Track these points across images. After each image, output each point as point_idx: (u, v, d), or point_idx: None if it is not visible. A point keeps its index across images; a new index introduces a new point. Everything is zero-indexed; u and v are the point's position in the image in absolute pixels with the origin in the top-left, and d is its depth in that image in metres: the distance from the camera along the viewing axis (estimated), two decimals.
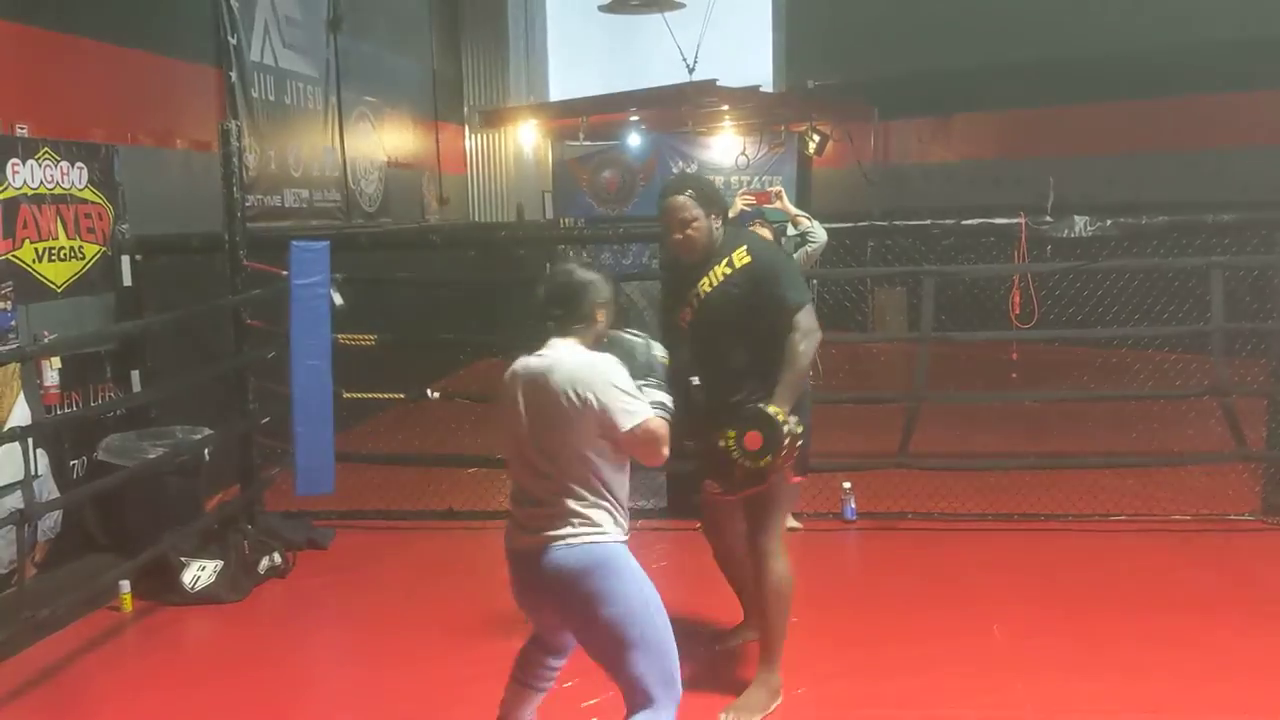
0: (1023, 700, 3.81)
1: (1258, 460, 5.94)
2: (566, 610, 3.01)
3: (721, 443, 3.57)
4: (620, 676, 2.97)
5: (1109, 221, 5.84)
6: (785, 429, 3.49)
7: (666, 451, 2.95)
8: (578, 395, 2.90)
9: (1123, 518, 5.77)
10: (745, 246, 3.75)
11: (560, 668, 3.28)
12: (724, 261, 3.72)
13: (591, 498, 2.95)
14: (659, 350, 3.15)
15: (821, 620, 4.54)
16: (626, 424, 2.89)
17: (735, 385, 3.69)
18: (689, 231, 3.71)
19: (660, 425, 2.93)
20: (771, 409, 3.52)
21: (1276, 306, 5.83)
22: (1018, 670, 4.03)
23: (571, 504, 2.94)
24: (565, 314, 3.08)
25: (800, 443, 3.59)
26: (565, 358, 2.98)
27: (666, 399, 3.03)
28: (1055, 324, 6.60)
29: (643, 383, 3.01)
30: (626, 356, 3.06)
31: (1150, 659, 4.10)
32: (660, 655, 2.96)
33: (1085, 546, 5.47)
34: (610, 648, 2.95)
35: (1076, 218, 5.83)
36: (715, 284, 3.73)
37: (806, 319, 3.61)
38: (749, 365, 3.69)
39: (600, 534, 2.95)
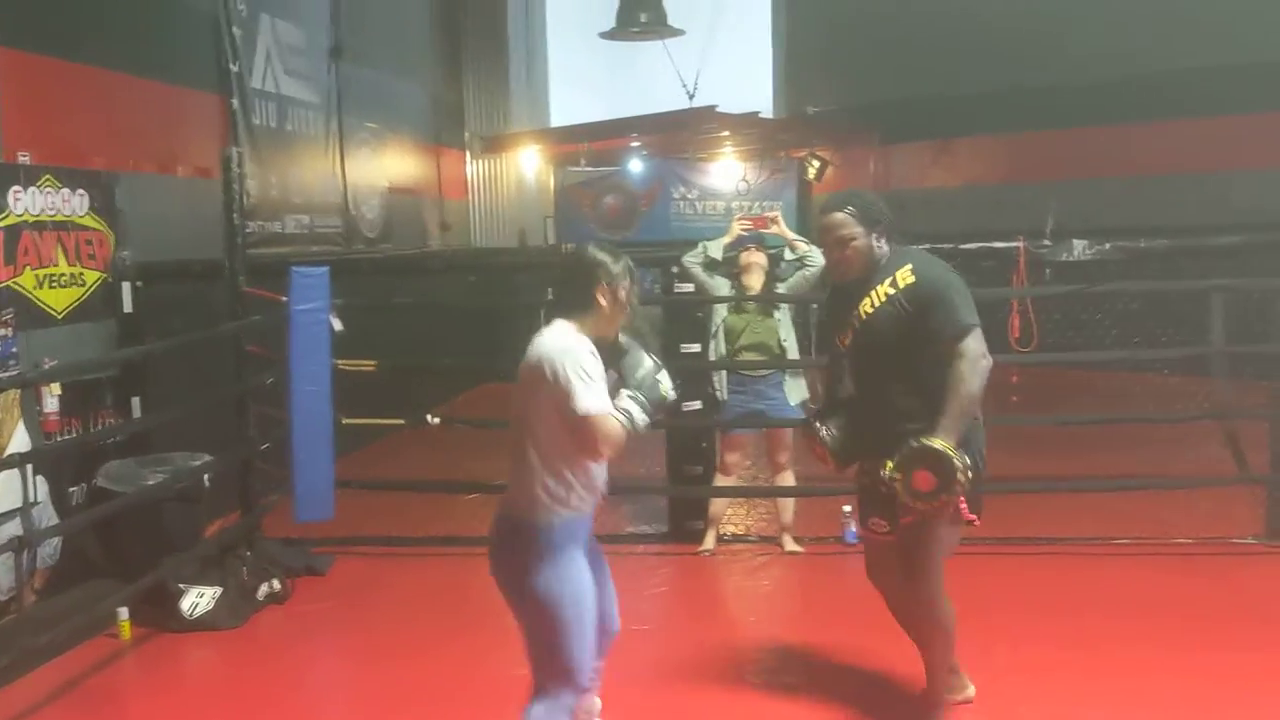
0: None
1: (1260, 483, 5.92)
2: (502, 582, 3.12)
3: (884, 473, 3.38)
4: (532, 655, 3.07)
5: (1108, 245, 5.85)
6: (957, 464, 3.24)
7: (608, 452, 2.98)
8: (547, 368, 2.96)
9: (1125, 541, 5.75)
10: (910, 265, 3.48)
11: (596, 667, 3.26)
12: (887, 281, 3.48)
13: (544, 472, 3.00)
14: (665, 383, 3.09)
15: (824, 641, 4.53)
16: (579, 407, 2.91)
17: (898, 414, 3.46)
18: (846, 251, 3.52)
19: (612, 426, 2.93)
20: (938, 443, 3.26)
21: (1278, 330, 5.82)
22: (1021, 693, 4.00)
23: (525, 476, 3.03)
24: (565, 295, 3.14)
25: (971, 478, 3.34)
26: (549, 336, 3.04)
27: (638, 414, 2.99)
28: (1055, 348, 6.59)
29: (631, 394, 3.02)
30: (630, 369, 3.07)
31: (1154, 684, 4.07)
32: (575, 644, 3.02)
33: (1087, 570, 5.44)
34: (531, 625, 3.05)
35: (1075, 241, 5.84)
36: (877, 305, 3.50)
37: (974, 344, 3.35)
38: (913, 392, 3.45)
39: (543, 510, 3.01)
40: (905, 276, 3.44)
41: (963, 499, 3.36)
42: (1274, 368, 5.94)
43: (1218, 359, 5.76)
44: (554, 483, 3.02)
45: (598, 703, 3.46)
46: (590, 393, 2.94)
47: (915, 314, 3.40)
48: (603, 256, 3.15)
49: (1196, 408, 6.18)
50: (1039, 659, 4.33)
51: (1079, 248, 5.81)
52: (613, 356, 3.14)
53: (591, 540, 3.25)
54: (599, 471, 3.12)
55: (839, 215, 3.52)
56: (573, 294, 3.12)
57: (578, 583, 3.05)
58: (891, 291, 3.46)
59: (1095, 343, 6.61)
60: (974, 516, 3.49)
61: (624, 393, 3.03)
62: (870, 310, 3.50)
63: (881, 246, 3.53)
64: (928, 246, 6.20)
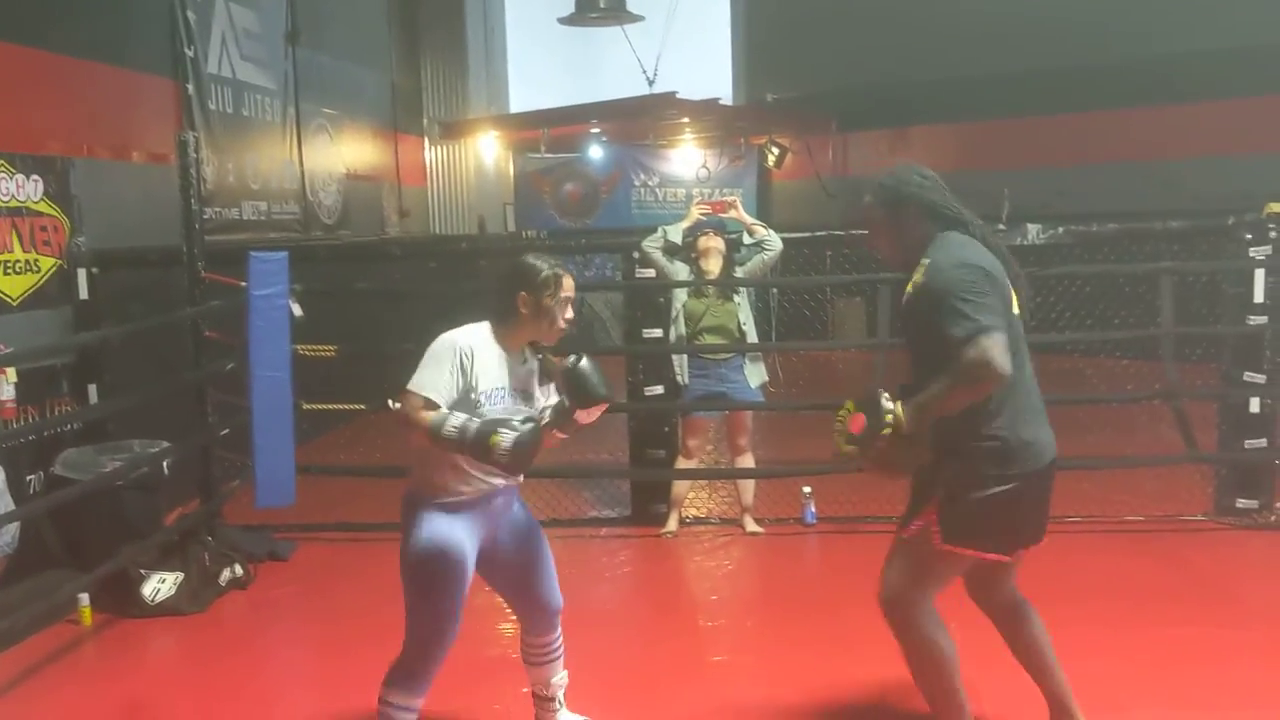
0: (981, 693, 3.85)
1: (1208, 462, 6.06)
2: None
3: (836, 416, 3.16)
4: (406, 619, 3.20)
5: (1061, 229, 5.95)
6: (886, 420, 2.96)
7: (408, 432, 3.08)
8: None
9: (1077, 519, 5.86)
10: (929, 260, 3.08)
11: (546, 643, 3.44)
12: (917, 270, 3.14)
13: (423, 453, 3.12)
14: (512, 434, 2.99)
15: (784, 621, 4.60)
16: (413, 383, 3.09)
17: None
18: (876, 241, 3.30)
19: (417, 407, 3.04)
20: (886, 402, 2.99)
21: (1225, 311, 5.96)
22: (976, 664, 4.06)
23: (416, 455, 3.18)
24: (492, 299, 3.22)
25: (894, 448, 3.00)
26: (449, 333, 3.19)
27: (451, 425, 3.00)
28: None
29: (526, 414, 3.10)
30: (571, 385, 3.11)
31: (1102, 662, 4.16)
32: (423, 616, 3.15)
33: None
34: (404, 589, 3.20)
35: (1029, 225, 5.94)
36: (906, 296, 3.19)
37: (972, 353, 2.86)
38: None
39: (420, 486, 3.18)
40: (921, 270, 3.11)
41: (935, 525, 3.05)
42: (1221, 349, 6.07)
43: (1166, 340, 5.88)
44: (430, 463, 3.14)
45: (564, 675, 3.54)
46: (423, 374, 3.10)
47: (927, 313, 3.03)
48: (530, 264, 3.20)
49: (1147, 389, 6.31)
50: (988, 640, 4.41)
51: (1033, 232, 5.91)
52: (564, 382, 3.15)
53: (517, 519, 3.36)
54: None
55: (865, 199, 3.25)
56: (497, 299, 3.20)
57: (434, 567, 3.12)
58: (918, 280, 3.12)
59: (1048, 326, 6.72)
60: (956, 547, 3.07)
61: (480, 400, 3.09)
62: (903, 301, 3.22)
63: (915, 229, 3.15)
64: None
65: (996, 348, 2.86)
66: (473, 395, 3.10)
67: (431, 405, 3.05)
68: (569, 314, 3.23)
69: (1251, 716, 3.75)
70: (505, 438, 2.97)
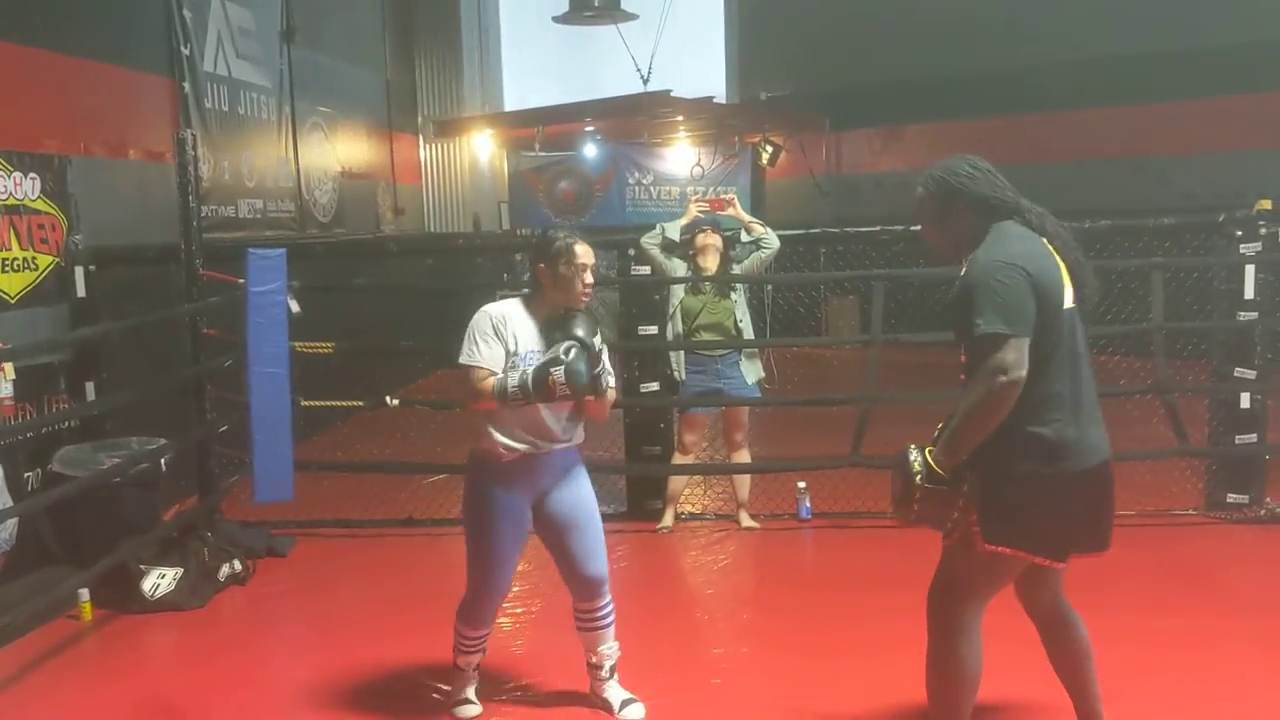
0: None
1: (1199, 457, 6.11)
2: None
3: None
4: None
5: None
6: (916, 474, 2.91)
7: (470, 400, 3.47)
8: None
9: None
10: (974, 255, 2.97)
11: (590, 609, 3.67)
12: (965, 264, 3.02)
13: (478, 420, 3.52)
14: (566, 368, 3.37)
15: (779, 613, 4.63)
16: (459, 359, 3.48)
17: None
18: (928, 234, 3.18)
19: (479, 378, 3.42)
20: (914, 451, 2.96)
21: (1216, 307, 6.01)
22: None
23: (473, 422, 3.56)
24: (525, 272, 3.56)
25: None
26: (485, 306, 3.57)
27: (513, 381, 3.38)
28: None
29: (566, 344, 3.40)
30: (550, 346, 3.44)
31: (1097, 645, 4.19)
32: (473, 562, 3.60)
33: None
34: None
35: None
36: (954, 290, 3.05)
37: (999, 356, 2.78)
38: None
39: (475, 451, 3.57)
40: (965, 266, 3.00)
41: (975, 524, 2.92)
42: (1212, 345, 6.12)
43: (1158, 336, 5.93)
44: (481, 430, 3.51)
45: (613, 647, 3.73)
46: (470, 349, 3.47)
47: (962, 308, 2.92)
48: (546, 236, 3.56)
49: (1139, 384, 6.36)
50: (984, 627, 4.45)
51: None
52: (560, 330, 3.46)
53: (572, 486, 3.62)
54: (526, 423, 3.47)
55: (918, 191, 3.14)
56: (527, 272, 3.57)
57: (480, 519, 3.55)
58: (961, 276, 3.00)
59: None
60: (998, 546, 2.92)
61: (517, 362, 3.43)
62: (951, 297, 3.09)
63: (963, 222, 3.04)
64: (879, 228, 6.40)
65: (1011, 353, 2.78)
66: (512, 358, 3.45)
67: (487, 372, 3.42)
68: (588, 279, 3.49)
69: (1237, 701, 3.80)
70: (557, 373, 3.34)
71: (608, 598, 3.67)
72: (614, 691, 3.75)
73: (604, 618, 3.68)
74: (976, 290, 2.86)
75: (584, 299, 3.52)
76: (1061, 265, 2.97)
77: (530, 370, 3.37)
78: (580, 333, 3.44)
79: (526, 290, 3.59)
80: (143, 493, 5.40)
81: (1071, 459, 2.92)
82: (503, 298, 3.63)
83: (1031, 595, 3.22)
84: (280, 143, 9.39)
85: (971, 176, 3.04)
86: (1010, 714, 3.70)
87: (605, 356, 3.55)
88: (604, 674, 3.74)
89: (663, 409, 6.16)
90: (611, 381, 3.58)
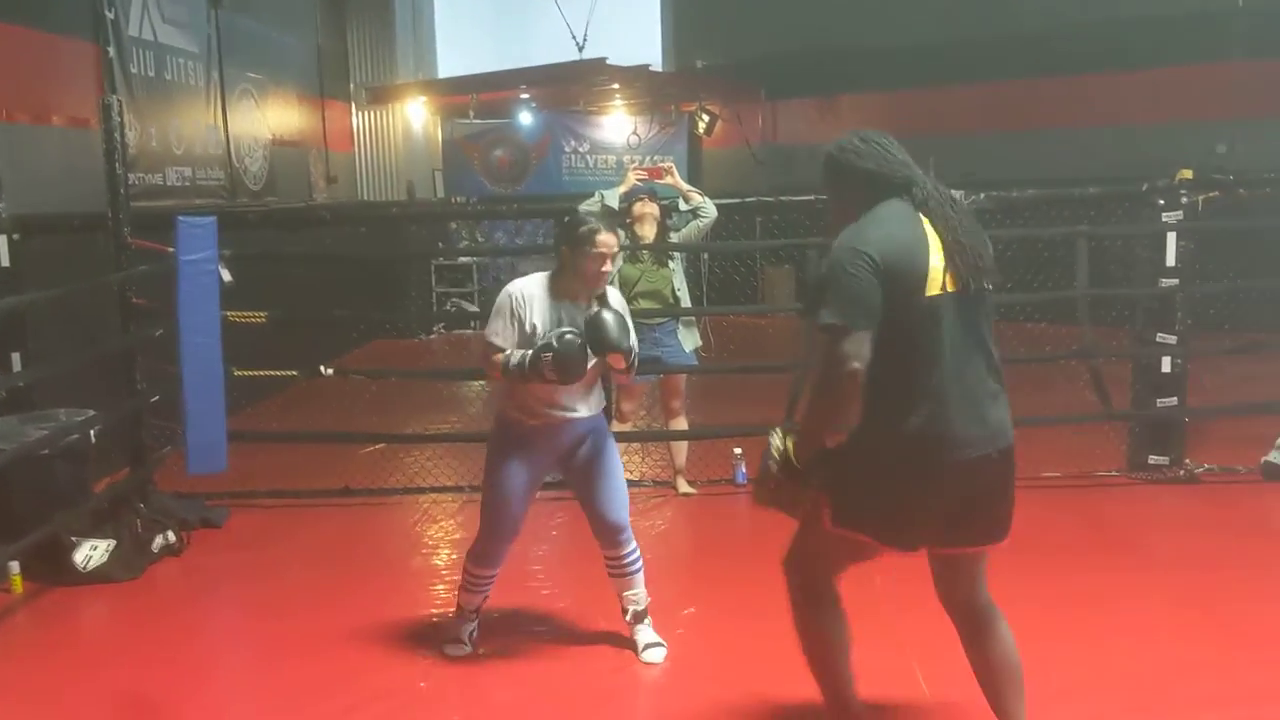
0: (904, 640, 4.00)
1: (1122, 420, 6.29)
2: None
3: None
4: None
5: (982, 195, 6.10)
6: (774, 458, 2.95)
7: (486, 369, 3.79)
8: None
9: None
10: (839, 237, 2.85)
11: (615, 557, 3.93)
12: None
13: (497, 389, 3.96)
14: (567, 351, 3.57)
15: (713, 578, 4.71)
16: (486, 331, 3.74)
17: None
18: (829, 211, 3.05)
19: (490, 351, 3.70)
20: (775, 436, 2.97)
21: (1139, 274, 6.17)
22: (899, 612, 4.19)
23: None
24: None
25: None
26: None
27: (516, 357, 3.63)
28: None
29: (564, 331, 3.59)
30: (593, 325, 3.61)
31: (1015, 603, 4.30)
32: (484, 510, 3.92)
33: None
34: None
35: (952, 192, 6.07)
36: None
37: (836, 348, 2.70)
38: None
39: (498, 414, 3.90)
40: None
41: (826, 504, 2.90)
42: (1135, 311, 6.28)
43: (1082, 303, 6.08)
44: (503, 399, 3.86)
45: (639, 594, 3.99)
46: (491, 324, 3.72)
47: (816, 294, 2.88)
48: (572, 221, 3.76)
49: (1064, 350, 6.52)
50: (914, 581, 4.56)
51: (956, 197, 6.04)
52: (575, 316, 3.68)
53: (594, 446, 3.88)
54: (540, 396, 3.71)
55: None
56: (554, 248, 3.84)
57: (494, 470, 3.85)
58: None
59: None
60: (843, 529, 2.89)
61: (536, 341, 3.63)
62: None
63: (853, 198, 2.91)
64: (814, 198, 6.47)
65: (848, 345, 2.67)
66: (533, 335, 3.66)
67: (498, 349, 3.68)
68: (605, 268, 3.67)
69: (1151, 655, 3.94)
70: (546, 359, 3.55)
71: (631, 545, 3.93)
72: (641, 634, 4.00)
73: (630, 564, 3.94)
74: (827, 277, 2.78)
75: (598, 284, 3.70)
76: (938, 251, 2.78)
77: (528, 356, 3.60)
78: (591, 347, 3.62)
79: (551, 265, 3.82)
80: (73, 465, 5.30)
81: (932, 452, 2.78)
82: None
83: (943, 589, 3.10)
84: (209, 109, 9.21)
85: (858, 151, 2.89)
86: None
87: (633, 338, 3.77)
88: (631, 618, 4.00)
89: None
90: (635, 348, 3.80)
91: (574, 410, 3.79)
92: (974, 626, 3.05)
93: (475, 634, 4.06)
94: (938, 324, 2.77)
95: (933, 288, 2.75)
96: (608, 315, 3.61)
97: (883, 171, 2.88)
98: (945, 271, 2.77)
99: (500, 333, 3.70)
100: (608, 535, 3.92)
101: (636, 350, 3.81)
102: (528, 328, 3.68)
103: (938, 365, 2.77)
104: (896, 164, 2.89)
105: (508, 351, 3.66)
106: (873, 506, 2.86)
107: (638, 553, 3.98)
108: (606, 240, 3.65)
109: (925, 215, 2.82)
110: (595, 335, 3.59)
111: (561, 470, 3.95)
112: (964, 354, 2.81)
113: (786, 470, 2.92)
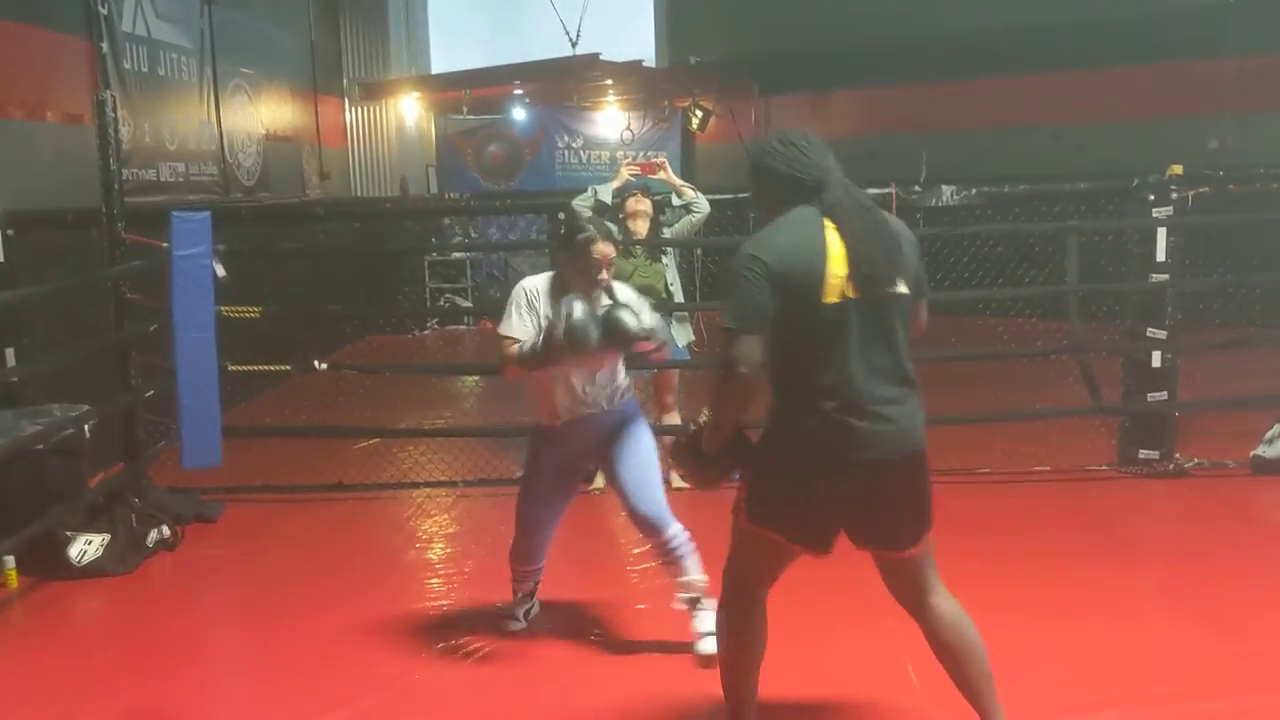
0: (896, 638, 4.02)
1: (1112, 414, 6.32)
2: None
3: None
4: None
5: (974, 190, 6.14)
6: (686, 436, 3.06)
7: (503, 366, 3.81)
8: None
9: (987, 471, 6.08)
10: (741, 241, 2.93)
11: (662, 541, 3.90)
12: None
13: (526, 390, 3.96)
14: (577, 329, 3.59)
15: (708, 572, 4.73)
16: (500, 328, 3.81)
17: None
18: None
19: (506, 346, 3.76)
20: (695, 426, 3.04)
21: (1129, 269, 6.20)
22: (892, 611, 4.21)
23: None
24: None
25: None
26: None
27: (527, 346, 3.70)
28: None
29: (572, 311, 3.61)
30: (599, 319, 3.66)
31: (1005, 589, 4.34)
32: (518, 505, 4.04)
33: (951, 500, 5.72)
34: None
35: (944, 187, 6.12)
36: None
37: (729, 350, 2.77)
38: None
39: (532, 415, 4.00)
40: None
41: (744, 500, 3.01)
42: (1125, 306, 6.32)
43: (1073, 298, 6.11)
44: (531, 399, 3.94)
45: (690, 579, 3.93)
46: (505, 319, 3.79)
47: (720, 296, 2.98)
48: (568, 229, 3.91)
49: (1054, 345, 6.55)
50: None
51: (947, 193, 6.09)
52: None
53: (628, 436, 3.94)
54: (560, 394, 3.82)
55: None
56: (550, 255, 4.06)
57: (527, 471, 4.02)
58: None
59: (960, 285, 6.94)
60: (757, 526, 2.99)
61: (573, 318, 3.65)
62: None
63: (772, 200, 2.93)
64: None
65: (739, 348, 2.73)
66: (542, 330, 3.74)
67: (514, 341, 3.76)
68: (603, 275, 3.78)
69: (1137, 640, 3.97)
70: (557, 334, 3.60)
71: (672, 530, 3.89)
72: (696, 622, 3.93)
73: (674, 549, 3.90)
74: (725, 281, 2.87)
75: (599, 288, 3.79)
76: (840, 258, 2.76)
77: (541, 340, 3.68)
78: (619, 314, 3.67)
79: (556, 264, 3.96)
80: (67, 460, 5.32)
81: (827, 452, 2.82)
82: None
83: (891, 586, 3.09)
84: (202, 105, 9.21)
85: (773, 153, 2.88)
86: None
87: (646, 318, 3.79)
88: (682, 605, 3.97)
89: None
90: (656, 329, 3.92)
91: (596, 406, 3.88)
92: (927, 626, 3.05)
93: (533, 611, 4.24)
94: (840, 329, 2.78)
95: (832, 295, 2.76)
96: (619, 312, 3.67)
97: (794, 174, 2.86)
98: (848, 279, 2.76)
99: (515, 326, 3.78)
100: (642, 524, 3.96)
101: (656, 327, 3.90)
102: (542, 320, 3.76)
103: (838, 368, 2.79)
104: (810, 167, 2.86)
105: (522, 343, 3.74)
106: (778, 504, 2.94)
107: (682, 536, 3.91)
108: (603, 250, 3.75)
109: (832, 221, 2.81)
110: (614, 332, 3.65)
111: (599, 466, 4.08)
112: (867, 358, 2.81)
113: (694, 451, 3.03)
